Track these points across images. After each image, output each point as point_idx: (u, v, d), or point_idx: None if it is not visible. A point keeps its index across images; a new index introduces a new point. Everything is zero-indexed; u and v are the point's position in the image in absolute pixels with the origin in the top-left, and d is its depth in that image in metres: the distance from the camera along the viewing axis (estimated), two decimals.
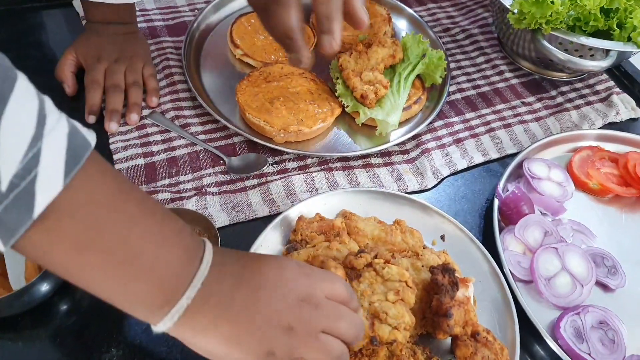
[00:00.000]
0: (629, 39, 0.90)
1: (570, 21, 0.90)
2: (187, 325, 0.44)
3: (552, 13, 0.86)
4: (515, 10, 0.92)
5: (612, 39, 0.91)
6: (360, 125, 0.92)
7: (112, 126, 0.85)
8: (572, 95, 1.05)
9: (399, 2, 1.14)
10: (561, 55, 0.89)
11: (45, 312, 0.67)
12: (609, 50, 0.89)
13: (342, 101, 0.92)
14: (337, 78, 0.95)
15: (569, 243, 0.79)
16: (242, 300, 0.47)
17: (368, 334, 0.60)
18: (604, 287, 0.78)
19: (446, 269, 0.65)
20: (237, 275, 0.48)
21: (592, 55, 0.94)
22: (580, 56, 0.93)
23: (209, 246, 0.48)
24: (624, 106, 1.03)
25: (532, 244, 0.79)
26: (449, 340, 0.67)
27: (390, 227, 0.76)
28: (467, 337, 0.63)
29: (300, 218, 0.74)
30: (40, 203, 0.35)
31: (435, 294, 0.65)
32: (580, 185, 0.90)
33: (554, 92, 1.05)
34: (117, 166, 0.82)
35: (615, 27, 0.90)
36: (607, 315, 0.72)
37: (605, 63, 0.90)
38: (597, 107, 1.03)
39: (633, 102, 1.04)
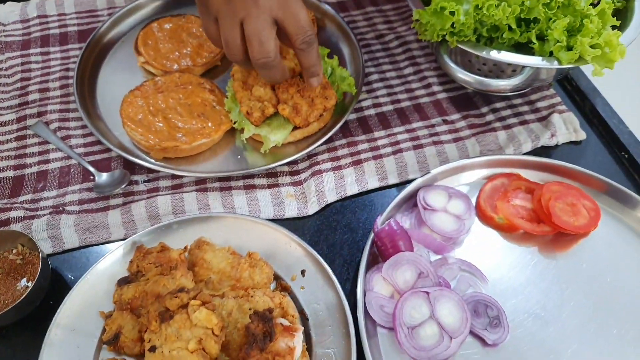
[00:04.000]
0: (552, 54, 0.78)
1: (484, 32, 0.79)
2: None
3: (454, 24, 0.76)
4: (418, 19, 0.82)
5: (533, 54, 0.80)
6: (245, 141, 0.86)
7: None
8: (506, 112, 0.94)
9: (327, 6, 1.05)
10: (461, 73, 0.78)
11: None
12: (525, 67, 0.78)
13: (230, 116, 0.86)
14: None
15: (444, 288, 0.69)
16: None
17: None
18: (485, 341, 0.68)
19: (263, 317, 0.59)
20: None
21: (513, 71, 0.83)
22: (490, 72, 0.82)
23: None
24: (564, 127, 0.91)
25: (402, 286, 0.70)
26: None
27: (239, 261, 0.69)
28: None
29: (139, 248, 0.69)
30: None
31: (246, 343, 0.58)
32: (486, 219, 0.80)
33: (484, 109, 0.94)
34: None
35: (534, 40, 0.78)
36: None
37: (516, 81, 0.78)
38: (532, 128, 0.91)
39: (577, 123, 0.91)
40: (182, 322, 0.58)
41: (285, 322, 0.61)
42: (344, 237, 0.78)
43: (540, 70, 0.78)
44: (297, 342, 0.60)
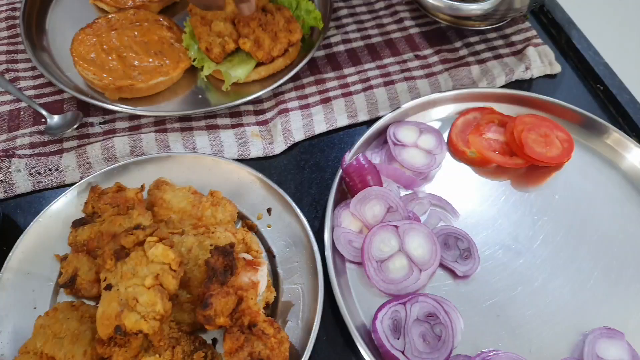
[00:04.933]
0: None
1: None
2: None
3: None
4: None
5: None
6: (205, 79, 0.82)
7: None
8: (480, 47, 0.90)
9: None
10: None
11: None
12: None
13: (188, 53, 0.81)
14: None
15: (414, 222, 0.67)
16: None
17: (114, 322, 0.52)
18: (455, 273, 0.67)
19: (223, 250, 0.56)
20: None
21: None
22: None
23: None
24: (539, 60, 0.88)
25: (371, 220, 0.68)
26: None
27: (200, 200, 0.66)
28: (238, 329, 0.55)
29: (93, 189, 0.65)
30: None
31: (207, 277, 0.56)
32: (458, 154, 0.77)
33: (458, 44, 0.91)
34: None
35: None
36: (440, 307, 0.62)
37: (487, 5, 0.74)
38: (506, 61, 0.88)
39: (552, 55, 0.88)
40: (138, 260, 0.55)
41: (248, 257, 0.59)
42: (313, 176, 0.76)
43: None
44: (261, 276, 0.58)
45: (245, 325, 0.55)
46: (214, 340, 0.60)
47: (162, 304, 0.53)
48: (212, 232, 0.61)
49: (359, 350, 0.59)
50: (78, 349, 0.55)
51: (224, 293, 0.54)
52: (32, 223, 0.64)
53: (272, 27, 0.80)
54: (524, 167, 0.76)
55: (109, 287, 0.55)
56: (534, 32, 0.92)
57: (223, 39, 0.79)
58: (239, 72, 0.78)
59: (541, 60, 0.88)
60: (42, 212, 0.65)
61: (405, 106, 0.78)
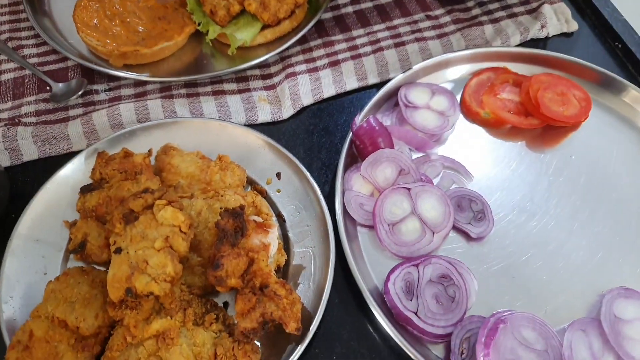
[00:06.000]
0: None
1: None
2: None
3: None
4: None
5: None
6: (211, 44, 0.80)
7: None
8: (494, 5, 0.87)
9: None
10: None
11: None
12: None
13: (193, 17, 0.79)
14: None
15: (426, 184, 0.66)
16: None
17: (124, 284, 0.52)
18: (469, 235, 0.66)
19: (233, 212, 0.55)
20: None
21: None
22: None
23: None
24: (555, 18, 0.85)
25: (382, 183, 0.67)
26: None
27: (208, 164, 0.65)
28: (250, 290, 0.54)
29: (101, 154, 0.64)
30: None
31: (217, 239, 0.55)
32: (471, 115, 0.75)
33: (470, 3, 0.87)
34: None
35: None
36: (453, 268, 0.61)
37: None
38: (521, 20, 0.85)
39: (568, 13, 0.85)
40: (148, 223, 0.55)
41: (259, 219, 0.58)
42: (322, 141, 0.74)
43: None
44: (272, 238, 0.57)
45: (257, 286, 0.55)
46: (226, 304, 0.60)
47: (172, 266, 0.52)
48: (222, 196, 0.61)
49: (371, 313, 0.58)
50: (89, 312, 0.55)
51: (234, 254, 0.54)
52: (39, 190, 0.63)
53: None
54: (540, 128, 0.74)
55: (118, 251, 0.54)
56: None
57: (228, 1, 0.77)
58: (245, 34, 0.76)
59: (557, 18, 0.85)
60: (50, 179, 0.64)
61: (416, 67, 0.75)
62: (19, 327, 0.55)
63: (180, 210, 0.55)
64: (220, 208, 0.60)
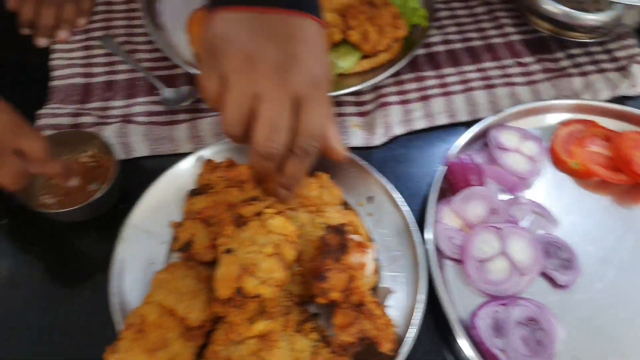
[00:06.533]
0: None
1: None
2: None
3: None
4: None
5: None
6: None
7: (41, 42, 0.84)
8: (583, 59, 0.89)
9: None
10: (549, 4, 0.74)
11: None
12: (613, 2, 0.73)
13: None
14: None
15: (517, 226, 0.67)
16: None
17: (234, 284, 0.55)
18: (555, 282, 0.67)
19: (338, 229, 0.58)
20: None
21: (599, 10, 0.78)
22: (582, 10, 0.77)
23: None
24: None
25: (472, 220, 0.68)
26: None
27: (308, 180, 0.68)
28: (349, 306, 0.56)
29: (208, 162, 0.68)
30: None
31: (320, 252, 0.58)
32: (559, 164, 0.77)
33: (559, 54, 0.90)
34: (54, 83, 0.81)
35: None
36: (541, 313, 0.62)
37: (604, 17, 0.74)
38: (609, 77, 0.87)
39: None
40: (256, 229, 0.58)
41: (358, 238, 0.60)
42: (410, 170, 0.77)
43: (626, 12, 0.74)
44: (369, 259, 0.59)
45: (354, 303, 0.57)
46: (315, 315, 0.62)
47: (281, 272, 0.55)
48: (323, 212, 0.63)
49: (455, 344, 0.60)
50: (196, 305, 0.58)
51: (338, 269, 0.56)
52: (150, 185, 0.67)
53: (379, 21, 0.82)
54: (629, 184, 0.75)
55: (228, 251, 0.57)
56: (637, 50, 0.91)
57: (331, 29, 0.81)
58: (346, 63, 0.80)
59: None
60: (160, 176, 0.68)
61: (508, 110, 0.78)
62: (126, 309, 0.58)
63: (288, 220, 0.58)
64: (321, 223, 0.63)
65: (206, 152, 0.71)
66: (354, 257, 0.58)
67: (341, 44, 0.82)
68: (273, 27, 0.50)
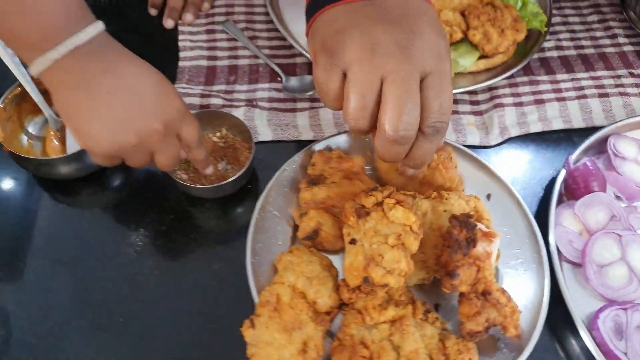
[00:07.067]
0: None
1: None
2: (55, 77, 0.49)
3: None
4: None
5: None
6: None
7: (168, 23, 0.89)
8: None
9: None
10: None
11: (94, 183, 0.73)
12: None
13: None
14: None
15: (637, 234, 0.68)
16: (109, 86, 0.50)
17: (362, 274, 0.57)
18: None
19: (466, 223, 0.59)
20: (111, 63, 0.51)
21: None
22: None
23: (100, 24, 0.50)
24: None
25: (593, 225, 0.69)
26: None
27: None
28: (475, 295, 0.58)
29: (320, 152, 0.70)
30: None
31: (448, 246, 0.60)
32: None
33: None
34: (181, 63, 0.85)
35: None
36: None
37: None
38: None
39: None
40: (379, 219, 0.59)
41: (484, 228, 0.62)
42: (525, 172, 0.78)
43: None
44: (494, 247, 0.61)
45: (480, 292, 0.59)
46: (437, 306, 0.65)
47: (405, 262, 0.57)
48: (445, 198, 0.65)
49: (569, 344, 0.63)
50: (324, 291, 0.60)
51: (468, 264, 0.58)
52: (279, 170, 0.70)
53: (500, 23, 0.83)
54: None
55: (353, 242, 0.59)
56: None
57: (451, 27, 0.83)
58: (467, 61, 0.82)
59: None
60: (286, 162, 0.70)
61: (627, 120, 0.78)
62: (258, 285, 0.61)
63: (410, 211, 0.60)
64: (444, 211, 0.64)
65: (324, 143, 0.73)
66: (480, 247, 0.60)
67: (461, 43, 0.84)
68: (384, 10, 0.50)
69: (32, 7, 0.45)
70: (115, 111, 0.50)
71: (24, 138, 0.74)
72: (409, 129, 0.49)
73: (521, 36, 0.83)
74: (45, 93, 0.72)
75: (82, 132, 0.52)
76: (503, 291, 0.60)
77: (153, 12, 0.91)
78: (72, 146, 0.71)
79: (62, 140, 0.73)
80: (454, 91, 0.81)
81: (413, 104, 0.48)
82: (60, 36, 0.47)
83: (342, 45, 0.49)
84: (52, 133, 0.74)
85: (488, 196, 0.72)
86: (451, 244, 0.60)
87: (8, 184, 0.73)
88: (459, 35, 0.82)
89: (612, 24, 0.95)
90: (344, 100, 0.50)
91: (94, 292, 0.64)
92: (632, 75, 0.88)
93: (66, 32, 0.47)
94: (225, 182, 0.67)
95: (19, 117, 0.74)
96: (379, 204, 0.62)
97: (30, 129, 0.75)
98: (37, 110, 0.75)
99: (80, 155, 0.68)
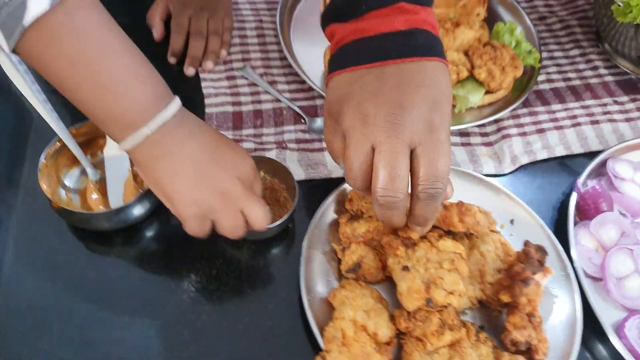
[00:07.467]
0: None
1: None
2: (144, 151, 0.53)
3: None
4: (621, 3, 0.88)
5: None
6: None
7: (190, 71, 0.92)
8: None
9: None
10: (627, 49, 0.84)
11: (137, 233, 0.74)
12: None
13: None
14: None
15: None
16: (191, 151, 0.55)
17: (424, 295, 0.62)
18: None
19: (541, 248, 0.67)
20: (194, 132, 0.56)
21: None
22: None
23: (177, 99, 0.55)
24: None
25: (607, 242, 0.77)
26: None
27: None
28: (525, 313, 0.64)
29: (354, 190, 0.75)
30: (30, 14, 0.43)
31: (520, 262, 0.66)
32: None
33: None
34: (208, 110, 0.88)
35: None
36: None
37: None
38: None
39: None
40: (427, 249, 0.65)
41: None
42: (536, 197, 0.85)
43: None
44: (545, 282, 0.67)
45: (527, 313, 0.65)
46: (482, 327, 0.69)
47: (462, 285, 0.62)
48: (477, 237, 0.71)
49: (598, 352, 0.69)
50: (382, 322, 0.64)
51: (535, 283, 0.64)
52: (319, 209, 0.74)
53: (500, 61, 0.91)
54: None
55: (406, 269, 0.64)
56: None
57: (457, 67, 0.91)
58: (475, 98, 0.89)
59: None
60: (323, 202, 0.75)
61: (621, 145, 0.87)
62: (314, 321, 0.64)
63: (457, 242, 0.66)
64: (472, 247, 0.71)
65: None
66: (537, 276, 0.66)
67: (467, 81, 0.92)
68: (380, 81, 0.54)
69: (126, 93, 0.50)
70: (198, 170, 0.54)
71: (62, 192, 0.75)
72: (392, 196, 0.54)
73: (519, 72, 0.92)
74: (81, 146, 0.74)
75: (169, 195, 0.55)
76: (542, 320, 0.66)
77: (172, 60, 0.94)
78: (115, 200, 0.73)
79: (103, 192, 0.75)
80: (466, 125, 0.88)
81: (398, 175, 0.53)
82: (149, 114, 0.51)
83: (342, 112, 0.56)
84: (92, 185, 0.75)
85: (512, 221, 0.79)
86: (526, 260, 0.66)
87: (51, 240, 0.74)
88: (465, 74, 0.90)
89: (591, 56, 1.05)
90: (345, 160, 0.57)
91: (155, 340, 0.65)
92: (616, 102, 0.98)
93: (154, 110, 0.52)
94: (275, 224, 0.70)
95: (56, 172, 0.75)
96: (423, 237, 0.67)
97: (67, 182, 0.76)
98: (72, 164, 0.77)
99: (124, 210, 0.70)
